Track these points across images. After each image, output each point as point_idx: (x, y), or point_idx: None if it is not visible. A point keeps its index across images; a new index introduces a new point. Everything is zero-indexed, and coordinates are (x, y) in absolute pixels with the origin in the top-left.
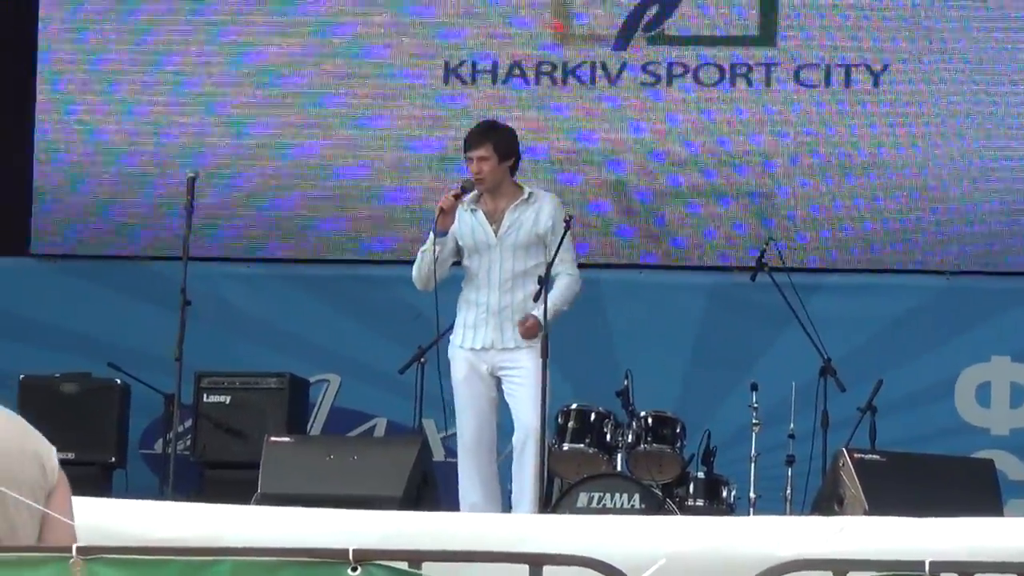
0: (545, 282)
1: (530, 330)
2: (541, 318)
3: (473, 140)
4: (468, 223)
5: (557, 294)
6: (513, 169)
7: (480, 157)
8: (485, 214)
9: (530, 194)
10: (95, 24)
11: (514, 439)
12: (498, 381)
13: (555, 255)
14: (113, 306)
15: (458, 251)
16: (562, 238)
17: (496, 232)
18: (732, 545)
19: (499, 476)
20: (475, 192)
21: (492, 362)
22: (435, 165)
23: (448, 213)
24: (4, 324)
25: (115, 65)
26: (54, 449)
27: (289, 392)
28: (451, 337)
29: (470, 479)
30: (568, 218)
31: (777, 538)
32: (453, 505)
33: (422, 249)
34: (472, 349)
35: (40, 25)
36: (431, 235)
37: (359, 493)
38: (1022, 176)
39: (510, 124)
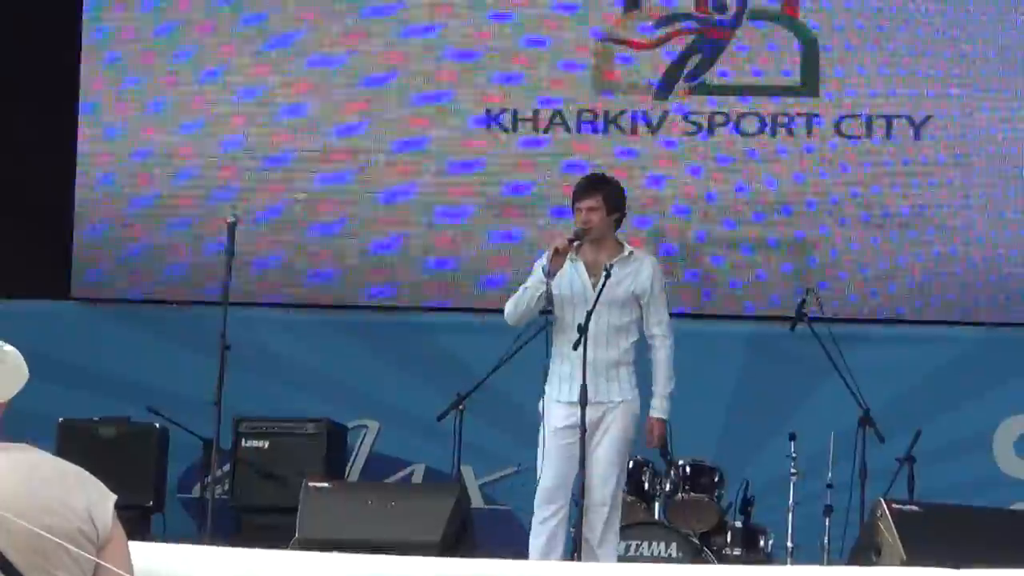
0: (585, 331)
1: (660, 439)
2: (658, 415)
3: (583, 191)
4: (567, 273)
5: (663, 378)
6: (618, 223)
7: (589, 208)
8: (585, 266)
9: (631, 252)
10: (136, 68)
11: (588, 502)
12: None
13: (591, 307)
14: (152, 350)
15: (550, 298)
16: (600, 290)
17: (594, 286)
18: None
19: (567, 524)
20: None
21: (586, 416)
22: (475, 213)
23: (562, 255)
24: (43, 367)
25: (156, 112)
26: (113, 499)
27: (327, 438)
28: (546, 387)
29: (543, 527)
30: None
31: None
32: (491, 552)
33: (525, 285)
34: (569, 403)
35: (81, 69)
36: (538, 273)
37: (397, 539)
38: None
39: (550, 172)
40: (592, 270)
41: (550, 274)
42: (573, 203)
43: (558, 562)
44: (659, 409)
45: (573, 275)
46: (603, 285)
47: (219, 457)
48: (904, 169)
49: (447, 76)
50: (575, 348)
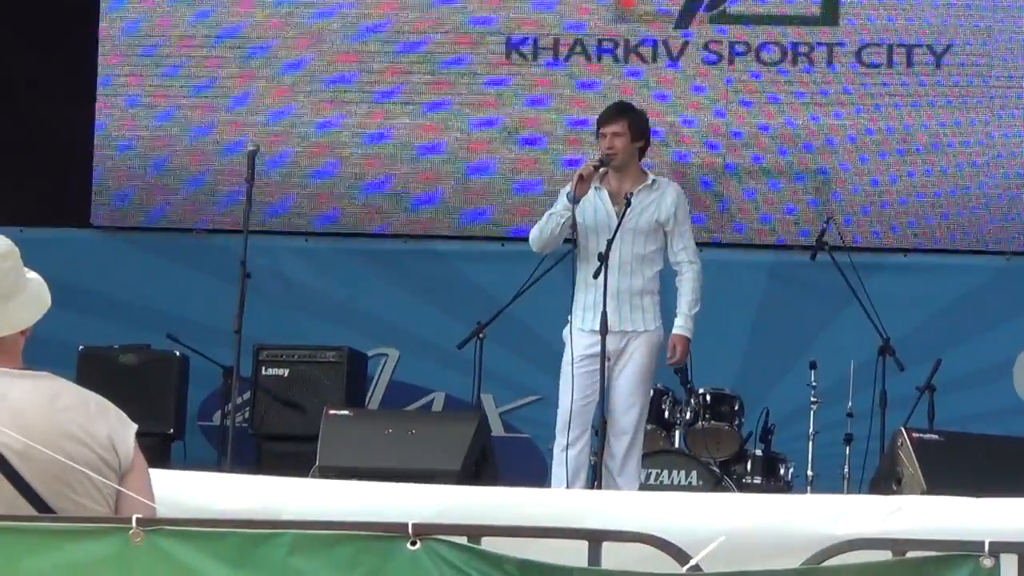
0: (606, 259)
1: (683, 355)
2: (682, 332)
3: (609, 116)
4: (591, 201)
5: (688, 300)
6: (642, 152)
7: (614, 133)
8: (609, 195)
9: (654, 180)
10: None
11: (610, 430)
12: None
13: (611, 236)
14: (173, 278)
15: (574, 226)
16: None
17: (618, 214)
18: (790, 523)
19: (589, 452)
20: (602, 170)
21: (608, 345)
22: (496, 142)
23: (587, 181)
24: (64, 296)
25: (176, 39)
26: (133, 429)
27: (347, 366)
28: (570, 317)
29: (561, 452)
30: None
31: (836, 517)
32: (511, 480)
33: (550, 212)
34: (592, 331)
35: (101, 2)
36: (562, 199)
37: (417, 467)
38: None
39: (571, 101)
40: (616, 199)
41: (575, 200)
42: (598, 129)
43: (579, 490)
44: (683, 327)
45: (597, 203)
46: (623, 214)
47: (239, 385)
48: (924, 98)
49: (469, 4)
50: (595, 277)
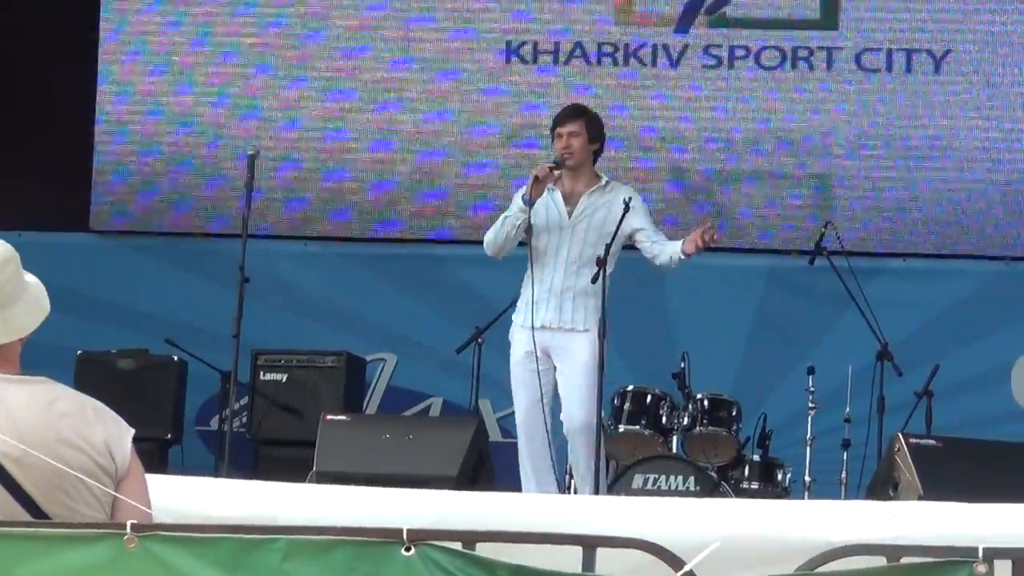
0: (604, 264)
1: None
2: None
3: (565, 116)
4: (544, 201)
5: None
6: (596, 155)
7: (571, 133)
8: (562, 195)
9: (608, 182)
10: (157, 1)
11: (564, 429)
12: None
13: (614, 238)
14: (171, 283)
15: (528, 228)
16: (620, 219)
17: (570, 214)
18: (786, 529)
19: (553, 456)
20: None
21: (550, 343)
22: (496, 147)
23: (542, 183)
24: (62, 299)
25: (175, 43)
26: (130, 433)
27: (345, 370)
28: (513, 315)
29: (523, 458)
30: (627, 199)
31: (831, 522)
32: (509, 486)
33: (505, 215)
34: (532, 328)
35: (102, 2)
36: (517, 202)
37: (414, 472)
38: None
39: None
40: (568, 200)
41: (530, 202)
42: (554, 129)
43: (574, 496)
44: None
45: (550, 204)
46: (622, 218)
47: (237, 390)
48: (924, 103)
49: (469, 8)
50: (593, 282)
